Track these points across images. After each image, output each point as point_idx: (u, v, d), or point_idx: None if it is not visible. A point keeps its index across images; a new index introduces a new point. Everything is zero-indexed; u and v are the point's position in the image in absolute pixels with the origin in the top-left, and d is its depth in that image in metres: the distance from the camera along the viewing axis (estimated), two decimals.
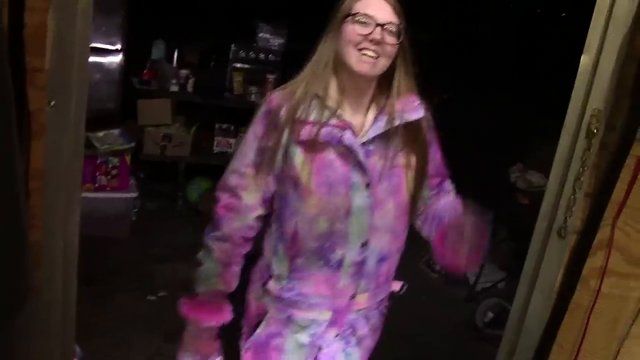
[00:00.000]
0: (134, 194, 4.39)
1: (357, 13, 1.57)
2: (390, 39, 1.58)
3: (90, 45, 4.12)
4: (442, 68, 6.21)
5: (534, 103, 5.02)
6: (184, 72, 5.01)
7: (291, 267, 1.72)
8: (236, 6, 5.30)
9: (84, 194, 4.13)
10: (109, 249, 4.26)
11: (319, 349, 1.83)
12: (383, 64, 1.61)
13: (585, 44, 1.85)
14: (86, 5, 1.77)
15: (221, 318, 1.75)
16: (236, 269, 1.76)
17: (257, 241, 1.81)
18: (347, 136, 1.62)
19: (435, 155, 1.81)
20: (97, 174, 4.20)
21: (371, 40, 1.57)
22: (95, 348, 3.21)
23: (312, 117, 1.61)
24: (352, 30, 1.58)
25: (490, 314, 3.93)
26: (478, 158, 4.49)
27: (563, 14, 6.22)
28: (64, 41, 1.71)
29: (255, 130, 1.68)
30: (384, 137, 1.66)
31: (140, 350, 3.27)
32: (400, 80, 1.68)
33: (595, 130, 1.84)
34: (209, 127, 5.02)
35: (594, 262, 1.91)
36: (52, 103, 1.74)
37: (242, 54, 5.27)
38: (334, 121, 1.62)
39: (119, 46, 4.30)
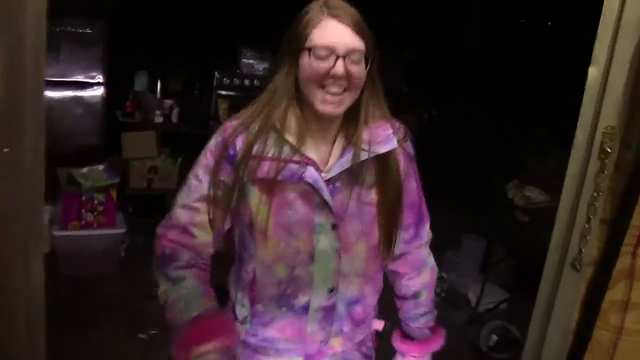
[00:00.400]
0: (122, 230, 4.26)
1: (314, 46, 1.37)
2: (356, 69, 1.39)
3: (70, 79, 4.11)
4: (429, 84, 6.18)
5: (525, 115, 4.95)
6: (168, 102, 4.91)
7: (252, 312, 1.56)
8: (218, 32, 5.23)
9: (71, 233, 4.08)
10: (97, 286, 4.14)
11: None
12: (351, 98, 1.43)
13: (593, 55, 1.69)
14: (38, 41, 1.51)
15: (235, 333, 1.54)
16: (212, 291, 1.57)
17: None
18: (310, 173, 1.45)
19: (410, 189, 1.62)
20: (83, 211, 4.07)
21: (333, 76, 1.37)
22: None
23: (270, 152, 1.44)
24: (311, 66, 1.38)
25: (495, 337, 3.82)
26: (471, 176, 4.41)
27: (549, 23, 6.19)
28: (13, 82, 1.47)
29: (208, 162, 1.50)
30: (352, 172, 1.49)
31: None
32: (369, 107, 1.49)
33: (608, 150, 1.66)
34: (195, 157, 4.89)
35: (614, 295, 1.73)
36: (5, 150, 1.52)
37: (227, 80, 5.17)
38: (294, 157, 1.45)
39: (99, 79, 4.21)
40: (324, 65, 1.36)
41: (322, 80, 1.38)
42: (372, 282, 1.61)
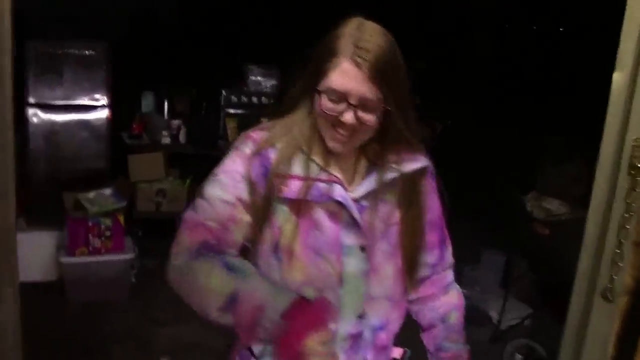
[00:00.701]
0: (131, 255, 4.15)
1: (328, 89, 1.33)
2: (369, 117, 1.34)
3: (74, 103, 4.03)
4: (441, 95, 6.07)
5: (540, 123, 4.82)
6: (175, 122, 4.81)
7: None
8: (224, 51, 5.15)
9: (78, 259, 3.98)
10: (107, 314, 4.04)
11: None
12: (361, 138, 1.40)
13: (617, 59, 1.54)
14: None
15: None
16: None
17: None
18: (338, 191, 1.40)
19: (433, 207, 1.56)
20: (90, 236, 3.97)
21: (342, 122, 1.34)
22: None
23: (298, 171, 1.41)
24: (323, 105, 1.35)
25: (519, 357, 3.67)
26: (488, 188, 4.28)
27: (560, 29, 6.08)
28: None
29: (241, 166, 1.42)
30: (378, 190, 1.45)
31: None
32: (395, 133, 1.43)
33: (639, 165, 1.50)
34: (204, 178, 4.79)
35: None
36: None
37: (234, 99, 5.08)
38: (322, 176, 1.41)
39: (104, 101, 4.13)
40: (335, 108, 1.34)
41: (332, 120, 1.35)
42: (398, 306, 1.55)
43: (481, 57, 6.36)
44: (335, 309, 1.41)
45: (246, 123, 5.09)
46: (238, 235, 1.43)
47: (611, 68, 1.58)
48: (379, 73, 1.31)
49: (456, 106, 5.82)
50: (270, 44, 5.32)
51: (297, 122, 1.44)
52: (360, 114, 1.33)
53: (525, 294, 4.29)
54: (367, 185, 1.43)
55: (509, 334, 3.97)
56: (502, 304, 4.04)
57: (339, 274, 1.42)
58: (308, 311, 1.29)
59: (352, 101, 1.32)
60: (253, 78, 5.23)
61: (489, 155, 5.30)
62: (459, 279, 1.74)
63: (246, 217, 1.43)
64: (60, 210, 3.97)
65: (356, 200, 1.42)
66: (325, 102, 1.34)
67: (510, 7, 6.14)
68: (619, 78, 1.55)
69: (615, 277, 1.58)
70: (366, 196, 1.43)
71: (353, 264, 1.42)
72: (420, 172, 1.50)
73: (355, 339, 1.47)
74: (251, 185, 1.41)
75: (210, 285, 1.34)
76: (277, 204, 1.40)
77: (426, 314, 1.67)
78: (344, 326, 1.45)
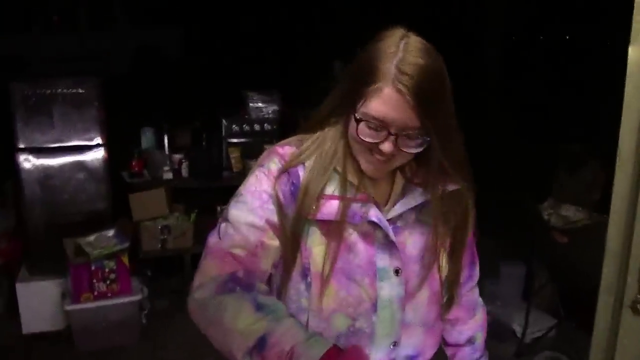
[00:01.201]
0: (139, 297, 4.03)
1: (367, 114, 1.23)
2: (409, 144, 1.26)
3: (68, 144, 3.94)
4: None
5: (553, 131, 4.67)
6: (176, 156, 4.72)
7: None
8: (221, 79, 5.07)
9: (84, 305, 3.87)
10: (119, 359, 3.93)
11: None
12: (399, 162, 1.32)
13: (632, 32, 1.36)
14: None
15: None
16: None
17: None
18: (374, 212, 1.33)
19: (467, 228, 1.47)
20: (94, 281, 3.86)
21: (380, 151, 1.27)
22: None
23: (332, 190, 1.33)
24: (360, 131, 1.26)
25: None
26: (502, 199, 4.13)
27: (567, 37, 5.98)
28: None
29: (267, 184, 1.34)
30: (414, 211, 1.38)
31: None
32: (435, 160, 1.33)
33: None
34: (210, 211, 4.69)
35: None
36: None
37: (236, 128, 4.99)
38: (357, 195, 1.34)
39: (98, 140, 4.03)
40: (374, 135, 1.26)
41: (369, 146, 1.28)
42: (432, 332, 1.50)
43: (491, 68, 6.25)
44: (369, 337, 1.37)
45: (250, 151, 5.04)
46: (267, 262, 1.34)
47: (622, 70, 1.43)
48: (423, 101, 1.21)
49: (466, 116, 5.71)
50: (269, 69, 5.24)
51: (328, 139, 1.35)
52: (400, 141, 1.25)
53: (548, 304, 4.13)
54: (403, 205, 1.37)
55: (534, 347, 3.83)
56: (525, 316, 3.88)
57: (373, 299, 1.36)
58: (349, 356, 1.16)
59: (393, 130, 1.24)
60: (253, 105, 5.14)
61: (503, 166, 5.16)
62: (480, 294, 1.71)
63: (275, 242, 1.34)
64: (62, 257, 3.86)
65: (391, 221, 1.36)
66: (362, 129, 1.25)
67: (516, 18, 6.06)
68: (635, 54, 1.38)
69: None
70: (402, 217, 1.37)
71: (388, 288, 1.36)
72: (459, 193, 1.40)
73: None
74: (279, 206, 1.33)
75: (238, 325, 1.20)
76: (308, 226, 1.33)
77: (452, 334, 1.64)
78: (377, 354, 1.39)
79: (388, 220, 1.36)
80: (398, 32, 1.26)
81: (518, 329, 4.01)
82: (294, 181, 1.34)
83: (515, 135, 4.74)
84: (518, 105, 5.64)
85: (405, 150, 1.26)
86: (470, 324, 1.65)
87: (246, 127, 5.04)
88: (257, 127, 5.07)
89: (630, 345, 1.50)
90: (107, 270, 3.87)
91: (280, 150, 1.38)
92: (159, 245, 4.41)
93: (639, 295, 1.44)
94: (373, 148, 1.27)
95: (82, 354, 3.90)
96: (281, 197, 1.33)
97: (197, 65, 5.00)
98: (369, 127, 1.24)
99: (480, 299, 1.70)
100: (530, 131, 5.02)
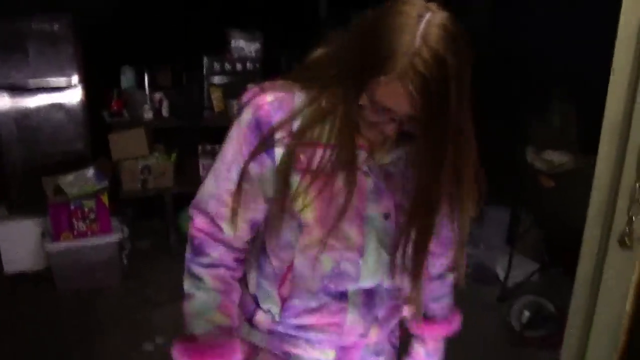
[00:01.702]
0: (119, 236, 4.00)
1: (372, 101, 1.17)
2: (412, 127, 1.20)
3: (45, 85, 3.83)
4: None
5: (534, 70, 4.56)
6: (157, 95, 4.60)
7: (283, 305, 1.43)
8: (203, 17, 4.91)
9: (64, 244, 3.83)
10: (100, 298, 3.92)
11: None
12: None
13: None
14: None
15: (240, 355, 1.40)
16: (236, 296, 1.43)
17: None
18: (363, 158, 1.30)
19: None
20: (74, 220, 3.81)
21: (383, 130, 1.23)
22: None
23: (318, 137, 1.28)
24: (366, 113, 1.21)
25: (527, 314, 3.52)
26: (486, 144, 4.07)
27: None
28: None
29: (240, 146, 1.32)
30: (407, 156, 1.33)
31: None
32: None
33: None
34: (191, 151, 4.61)
35: None
36: None
37: (217, 67, 4.84)
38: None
39: (75, 78, 3.91)
40: (377, 117, 1.21)
41: (370, 125, 1.24)
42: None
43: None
44: (353, 280, 1.38)
45: (232, 91, 4.92)
46: (230, 231, 1.38)
47: None
48: (435, 100, 1.12)
49: None
50: (251, 7, 5.07)
51: (324, 98, 1.28)
52: (404, 125, 1.20)
53: (531, 250, 4.13)
54: (396, 151, 1.31)
55: (517, 291, 3.83)
56: (509, 260, 3.89)
57: (360, 245, 1.35)
58: (207, 348, 1.36)
59: (397, 117, 1.19)
60: (236, 44, 5.00)
61: (485, 112, 5.08)
62: None
63: (261, 199, 1.36)
64: (41, 196, 3.80)
65: (383, 166, 1.32)
66: (368, 110, 1.20)
67: None
68: None
69: (635, 220, 1.35)
70: (395, 162, 1.33)
71: (375, 233, 1.35)
72: None
73: (370, 297, 1.42)
74: (251, 164, 1.31)
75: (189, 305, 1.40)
76: (295, 174, 1.29)
77: (428, 267, 1.57)
78: (360, 291, 1.41)
79: (381, 165, 1.32)
80: (421, 4, 1.14)
81: (501, 273, 4.03)
82: (270, 138, 1.29)
83: (500, 73, 4.60)
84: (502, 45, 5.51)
85: (408, 129, 1.21)
86: (443, 261, 1.60)
87: (228, 67, 4.90)
88: (239, 66, 4.94)
89: (615, 281, 1.46)
90: (86, 209, 3.82)
91: (260, 100, 1.31)
92: (139, 185, 4.34)
93: (627, 229, 1.37)
94: (375, 126, 1.23)
95: (63, 294, 3.88)
96: (251, 152, 1.30)
97: (179, 3, 4.82)
98: (373, 110, 1.19)
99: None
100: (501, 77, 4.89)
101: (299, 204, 1.30)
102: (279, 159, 1.29)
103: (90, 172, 3.85)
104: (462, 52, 1.12)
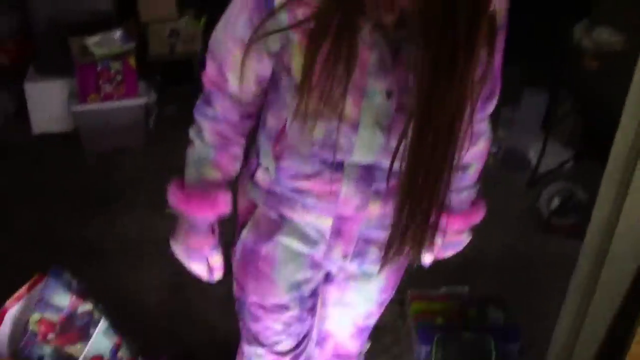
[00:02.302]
0: (145, 99, 3.96)
1: None
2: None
3: None
4: None
5: None
6: None
7: (277, 165, 1.42)
8: None
9: (90, 106, 3.79)
10: (125, 161, 3.94)
11: (327, 275, 1.59)
12: None
13: None
14: None
15: (215, 211, 1.48)
16: (236, 150, 1.49)
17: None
18: (368, 28, 1.18)
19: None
20: (100, 82, 3.76)
21: None
22: (111, 270, 3.02)
23: None
24: None
25: (557, 200, 3.45)
26: (531, 18, 3.82)
27: None
28: None
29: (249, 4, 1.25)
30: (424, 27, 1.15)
31: (163, 268, 2.95)
32: None
33: None
34: (220, 16, 4.44)
35: None
36: None
37: None
38: None
39: None
40: None
41: None
42: None
43: None
44: (345, 154, 1.34)
45: None
46: (235, 82, 1.37)
47: None
48: None
49: None
50: None
51: None
52: None
53: (567, 136, 3.97)
54: (410, 18, 1.17)
55: (548, 178, 3.73)
56: (542, 145, 3.76)
57: (355, 119, 1.28)
58: (195, 197, 1.48)
59: None
60: None
61: None
62: (497, 120, 1.52)
63: (265, 53, 1.31)
64: (69, 57, 3.73)
65: (392, 41, 1.20)
66: None
67: None
68: None
69: None
70: (407, 38, 1.19)
71: (374, 110, 1.27)
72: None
73: (368, 171, 1.36)
74: (265, 11, 1.23)
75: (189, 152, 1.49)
76: (292, 35, 1.23)
77: None
78: (355, 159, 1.35)
79: (388, 39, 1.21)
80: None
81: (533, 159, 3.90)
82: None
83: None
84: None
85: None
86: (469, 152, 1.48)
87: None
88: None
89: None
90: (113, 71, 3.75)
91: None
92: (168, 49, 4.24)
93: None
94: None
95: (89, 155, 3.90)
96: (256, 5, 1.24)
97: None
98: None
99: (489, 131, 1.56)
100: None
101: (295, 64, 1.25)
102: (281, 15, 1.21)
103: (117, 33, 3.75)
104: None
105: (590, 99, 3.60)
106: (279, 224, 1.49)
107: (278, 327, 1.63)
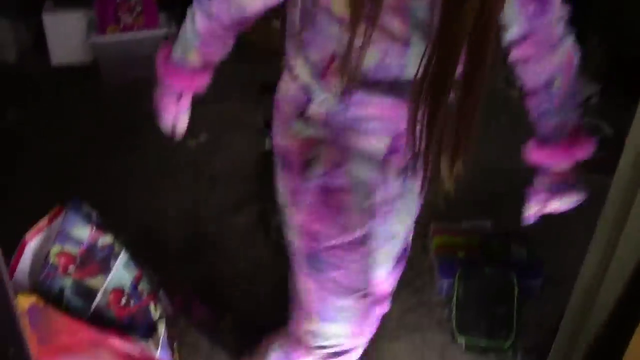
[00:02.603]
0: (166, 31, 3.87)
1: None
2: None
3: None
4: None
5: None
6: None
7: (333, 96, 1.40)
8: None
9: (110, 38, 3.74)
10: (145, 93, 3.88)
11: (376, 192, 1.49)
12: None
13: None
14: None
15: (192, 85, 1.64)
16: (223, 43, 1.56)
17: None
18: None
19: None
20: (120, 13, 3.71)
21: None
22: (131, 202, 3.01)
23: None
24: None
25: None
26: None
27: None
28: None
29: None
30: None
31: (182, 200, 2.99)
32: None
33: None
34: None
35: None
36: None
37: None
38: None
39: None
40: None
41: None
42: None
43: None
44: (395, 77, 1.34)
45: None
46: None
47: None
48: None
49: None
50: None
51: None
52: None
53: (594, 71, 3.86)
54: None
55: None
56: None
57: (406, 37, 1.28)
58: (172, 66, 1.66)
59: None
60: None
61: None
62: None
63: None
64: None
65: None
66: None
67: None
68: None
69: None
70: None
71: (420, 23, 1.25)
72: None
73: None
74: None
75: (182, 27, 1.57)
76: None
77: (527, 78, 1.46)
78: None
79: None
80: None
81: None
82: None
83: None
84: None
85: None
86: (547, 62, 1.43)
87: None
88: None
89: None
90: (132, 2, 3.71)
91: None
92: None
93: None
94: None
95: (109, 87, 3.87)
96: None
97: None
98: None
99: (570, 39, 1.45)
100: None
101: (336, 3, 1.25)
102: None
103: None
104: None
105: (617, 31, 3.50)
106: (344, 154, 1.46)
107: (358, 266, 1.55)
